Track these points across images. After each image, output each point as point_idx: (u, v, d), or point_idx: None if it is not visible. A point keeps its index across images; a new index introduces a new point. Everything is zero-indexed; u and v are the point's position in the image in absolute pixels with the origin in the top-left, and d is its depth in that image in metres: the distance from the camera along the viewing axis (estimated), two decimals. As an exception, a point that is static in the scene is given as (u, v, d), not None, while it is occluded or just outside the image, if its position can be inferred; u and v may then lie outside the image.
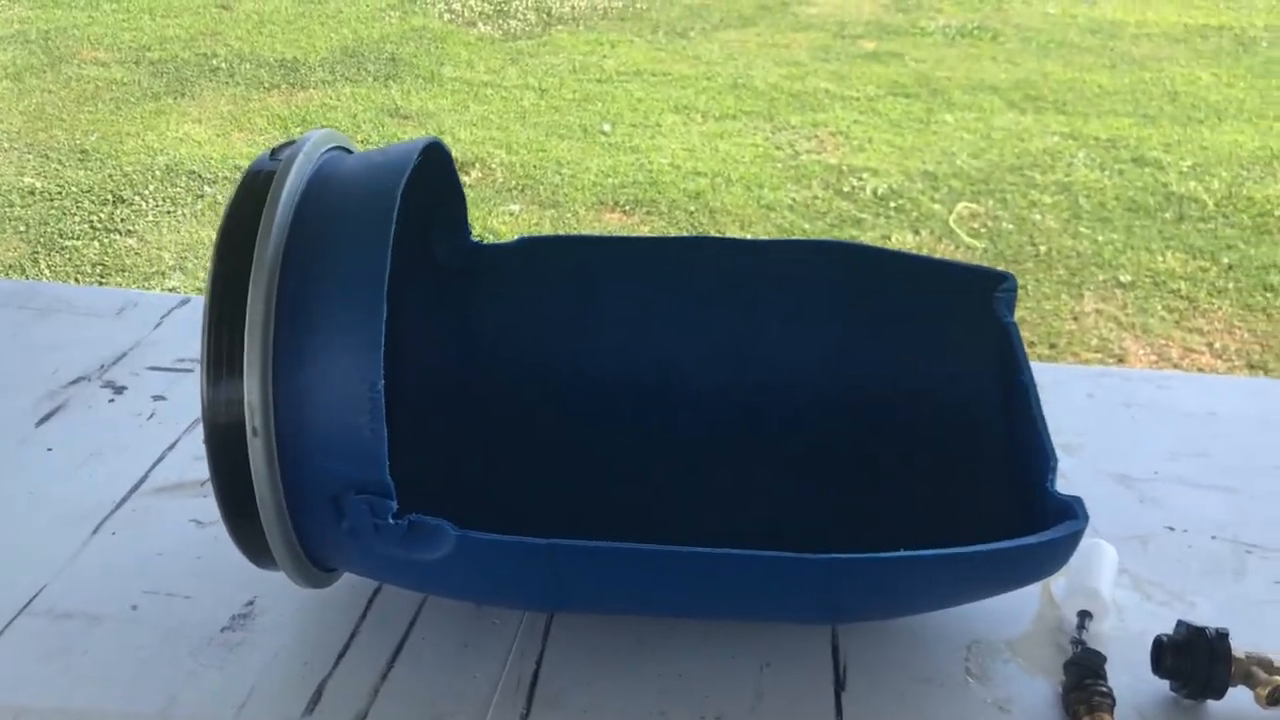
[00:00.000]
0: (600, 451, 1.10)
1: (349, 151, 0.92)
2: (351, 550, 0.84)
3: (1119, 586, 1.00)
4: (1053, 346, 2.97)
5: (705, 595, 0.85)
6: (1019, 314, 3.07)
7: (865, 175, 3.99)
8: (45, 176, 4.00)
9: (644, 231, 3.58)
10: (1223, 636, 0.86)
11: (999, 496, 0.96)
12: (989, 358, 1.00)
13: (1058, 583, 0.98)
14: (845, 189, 3.89)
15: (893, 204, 3.76)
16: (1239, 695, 0.86)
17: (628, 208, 3.75)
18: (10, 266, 3.40)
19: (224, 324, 0.79)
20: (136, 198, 3.82)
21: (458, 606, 0.96)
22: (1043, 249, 3.47)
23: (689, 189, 3.87)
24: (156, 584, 0.99)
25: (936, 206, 3.75)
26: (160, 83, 4.94)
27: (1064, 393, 1.29)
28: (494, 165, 4.05)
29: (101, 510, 1.07)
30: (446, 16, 5.97)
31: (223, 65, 5.16)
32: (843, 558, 0.77)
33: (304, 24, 5.82)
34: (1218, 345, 2.97)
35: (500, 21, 5.92)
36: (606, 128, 4.43)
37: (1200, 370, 2.87)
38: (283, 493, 0.81)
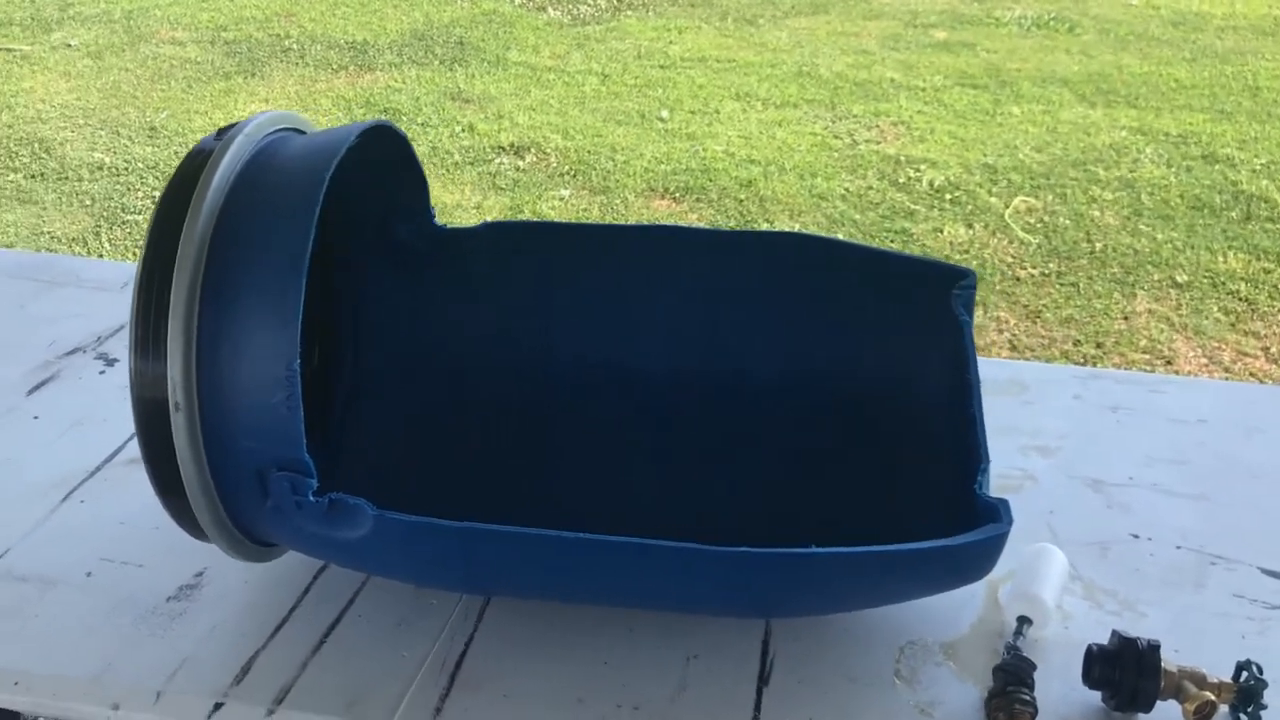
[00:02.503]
0: (558, 435, 1.10)
1: (302, 132, 0.93)
2: (280, 527, 0.86)
3: (1070, 593, 0.98)
4: (1099, 346, 2.90)
5: (617, 584, 0.85)
6: (1066, 312, 3.02)
7: (923, 166, 3.93)
8: (114, 152, 4.11)
9: (692, 219, 3.57)
10: (1154, 648, 0.84)
11: (946, 496, 0.94)
12: (945, 354, 0.99)
13: (1004, 586, 0.96)
14: (901, 180, 3.83)
15: (948, 196, 3.70)
16: (1170, 709, 0.84)
17: (677, 195, 3.74)
18: (74, 239, 3.50)
19: (151, 301, 0.81)
20: (199, 175, 3.90)
21: (399, 585, 0.97)
22: (1099, 246, 3.39)
23: (741, 177, 3.85)
24: (113, 552, 1.02)
25: (993, 200, 3.68)
26: (232, 62, 5.04)
27: (1050, 393, 1.26)
28: (549, 150, 4.07)
29: (74, 479, 1.11)
30: (518, 1, 6.00)
31: (294, 46, 5.25)
32: (741, 551, 0.77)
33: (377, 6, 5.89)
34: (1274, 350, 2.88)
35: (571, 6, 5.93)
36: (664, 114, 4.42)
37: (1254, 376, 2.78)
38: (208, 469, 0.82)
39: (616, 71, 4.93)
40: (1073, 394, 1.27)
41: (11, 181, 3.89)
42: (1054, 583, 0.94)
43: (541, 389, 1.11)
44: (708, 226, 0.90)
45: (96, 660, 0.91)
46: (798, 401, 1.07)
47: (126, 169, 3.98)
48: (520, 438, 1.11)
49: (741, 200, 3.70)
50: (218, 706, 0.87)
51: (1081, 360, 2.85)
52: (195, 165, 0.84)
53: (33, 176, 3.93)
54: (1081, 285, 3.18)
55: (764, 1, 6.04)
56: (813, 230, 3.49)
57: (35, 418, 1.21)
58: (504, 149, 4.09)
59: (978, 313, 3.01)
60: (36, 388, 1.25)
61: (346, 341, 1.11)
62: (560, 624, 0.94)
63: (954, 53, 5.21)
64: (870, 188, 3.79)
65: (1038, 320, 3.02)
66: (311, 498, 0.81)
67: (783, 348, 1.07)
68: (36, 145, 4.17)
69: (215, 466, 0.82)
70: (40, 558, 1.01)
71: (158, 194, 3.80)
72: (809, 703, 0.87)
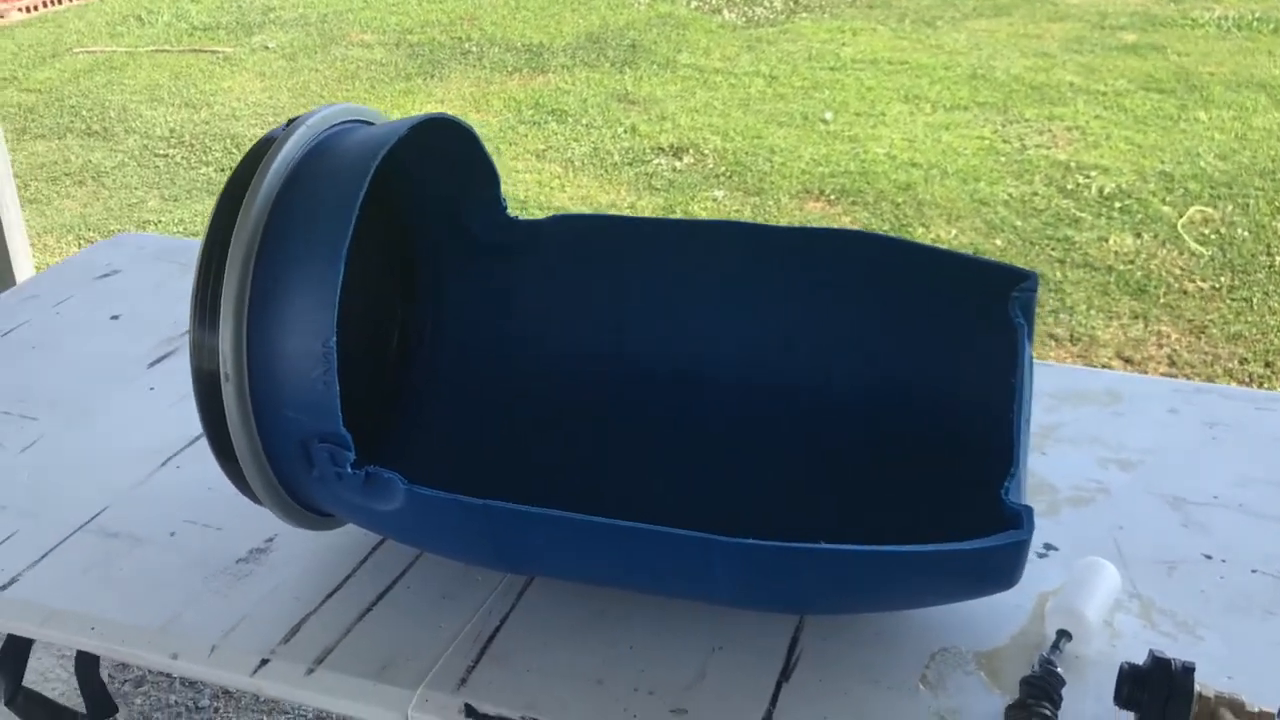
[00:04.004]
0: (619, 429, 1.12)
1: (370, 124, 0.98)
2: (326, 496, 0.91)
3: (1125, 611, 0.94)
4: (1268, 365, 2.73)
5: (634, 568, 0.86)
6: (1235, 328, 2.86)
7: (1094, 173, 3.78)
8: (298, 148, 4.33)
9: (845, 222, 3.53)
10: (1188, 671, 0.80)
11: (980, 502, 0.92)
12: (1002, 357, 0.96)
13: (1052, 599, 0.93)
14: (1069, 186, 3.70)
15: (1118, 204, 3.55)
16: (1205, 736, 0.80)
17: (832, 197, 3.70)
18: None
19: (209, 280, 0.87)
20: (373, 171, 4.08)
21: (449, 562, 1.01)
22: (1279, 260, 3.19)
23: (900, 180, 3.78)
24: (197, 514, 1.09)
25: (1166, 209, 3.51)
26: (414, 64, 5.24)
27: (1144, 407, 1.21)
28: (706, 151, 4.09)
29: (174, 447, 1.19)
30: (694, 4, 6.04)
31: (474, 49, 5.42)
32: (745, 543, 0.77)
33: (556, 10, 6.02)
34: None
35: (745, 8, 5.94)
36: (828, 116, 4.38)
37: None
38: (258, 437, 0.88)
39: (784, 73, 4.91)
40: (1169, 408, 1.21)
41: (204, 175, 4.15)
42: (1100, 599, 0.91)
43: (610, 383, 1.13)
44: (782, 225, 0.88)
45: (165, 613, 0.97)
46: (865, 405, 1.06)
47: (307, 164, 4.19)
48: (582, 430, 1.13)
49: (898, 204, 3.64)
50: (264, 663, 0.92)
51: (1247, 380, 2.69)
52: (259, 152, 0.90)
53: (222, 170, 4.18)
54: (1255, 301, 3.00)
55: (945, 3, 5.91)
56: (969, 236, 3.41)
57: (151, 389, 1.30)
58: (663, 150, 4.13)
59: (1137, 326, 2.90)
60: (157, 361, 1.35)
61: (425, 326, 1.16)
62: (594, 607, 0.96)
63: (1141, 55, 4.99)
64: (1036, 194, 3.67)
65: (1202, 336, 2.87)
66: (350, 469, 0.86)
67: (850, 348, 1.07)
68: (229, 141, 4.43)
69: (265, 435, 0.88)
70: (132, 516, 1.09)
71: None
72: (826, 702, 0.86)
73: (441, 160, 1.04)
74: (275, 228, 0.86)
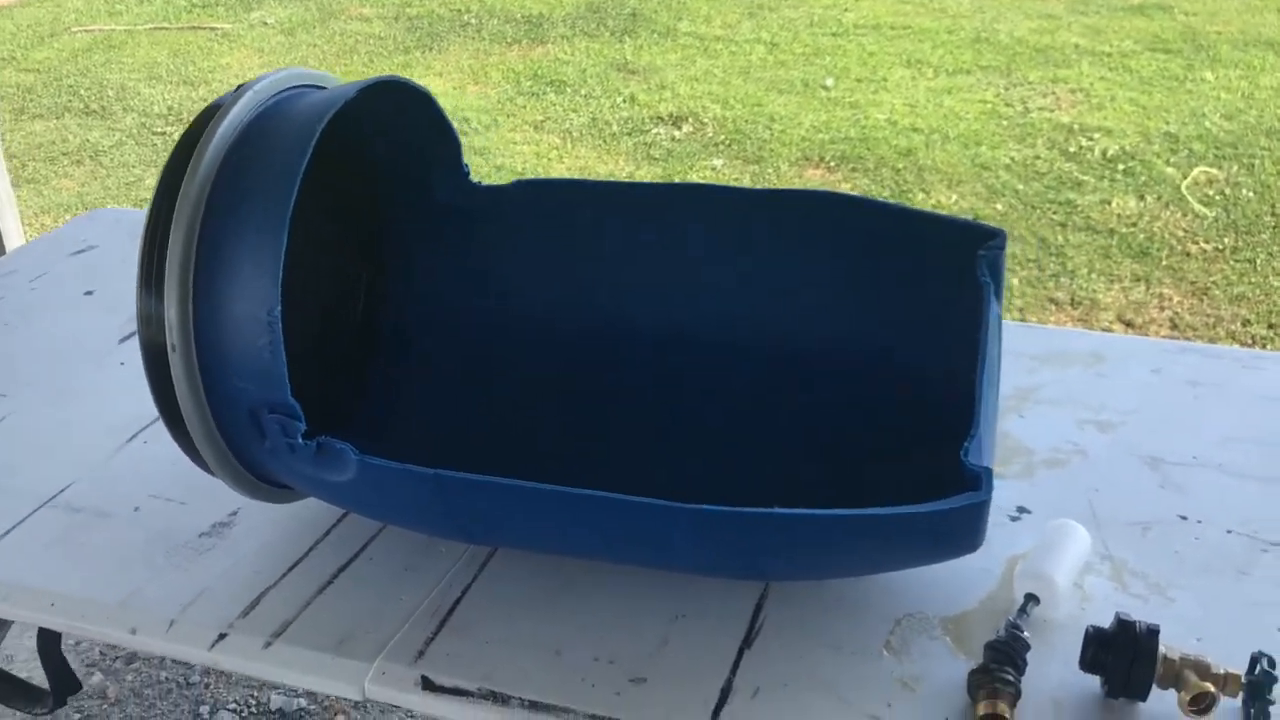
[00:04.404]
0: (588, 393, 1.11)
1: (322, 89, 0.96)
2: (280, 468, 0.89)
3: (1096, 574, 0.92)
4: (1271, 327, 2.70)
5: (590, 536, 0.85)
6: (1239, 289, 2.83)
7: (1097, 135, 3.73)
8: (296, 124, 4.32)
9: (845, 189, 3.50)
10: (1152, 633, 0.78)
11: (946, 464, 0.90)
12: (964, 319, 0.94)
13: (1021, 563, 0.91)
14: (1072, 149, 3.65)
15: (1121, 166, 3.51)
16: (1172, 699, 0.78)
17: (832, 164, 3.67)
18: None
19: (154, 249, 0.85)
20: (371, 145, 4.06)
21: (414, 534, 1.00)
22: (1284, 219, 3.15)
23: (901, 146, 3.74)
24: (162, 489, 1.08)
25: (1170, 170, 3.46)
26: (413, 37, 5.21)
27: (1127, 367, 1.19)
28: (706, 120, 4.05)
29: (142, 421, 1.18)
30: (695, -29, 5.98)
31: (473, 20, 5.38)
32: (700, 509, 0.76)
33: (556, -20, 5.98)
34: None
35: (747, -25, 5.88)
36: (829, 82, 4.34)
37: None
38: (208, 408, 0.86)
39: (785, 40, 4.86)
40: (1152, 368, 1.19)
41: (202, 152, 4.14)
42: (1069, 562, 0.89)
43: (576, 348, 1.11)
44: (751, 187, 0.86)
45: (125, 588, 0.96)
46: (836, 366, 1.04)
47: (305, 140, 4.17)
48: (554, 397, 1.11)
49: (899, 170, 3.60)
50: (221, 637, 0.91)
51: (1249, 341, 2.66)
52: (206, 119, 0.88)
53: (221, 147, 4.17)
54: (1259, 262, 2.97)
55: (949, -34, 5.84)
56: (970, 201, 3.37)
57: (121, 364, 1.29)
58: (662, 119, 4.09)
59: (1139, 289, 2.87)
60: (128, 337, 1.34)
61: (393, 292, 1.14)
62: (559, 577, 0.94)
63: (1148, 16, 4.92)
64: (1038, 157, 3.62)
65: (1205, 298, 2.84)
66: (301, 440, 0.85)
67: (818, 309, 1.05)
68: (227, 117, 4.41)
69: (216, 406, 0.86)
70: (98, 492, 1.08)
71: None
72: (787, 667, 0.85)
73: (401, 125, 1.02)
74: (220, 195, 0.84)
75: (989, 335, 0.89)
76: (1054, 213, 3.27)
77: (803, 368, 1.06)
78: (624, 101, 4.29)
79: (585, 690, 0.84)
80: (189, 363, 0.84)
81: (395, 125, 1.02)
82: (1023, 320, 2.78)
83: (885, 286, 1.01)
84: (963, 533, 0.79)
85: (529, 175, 3.74)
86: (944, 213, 0.96)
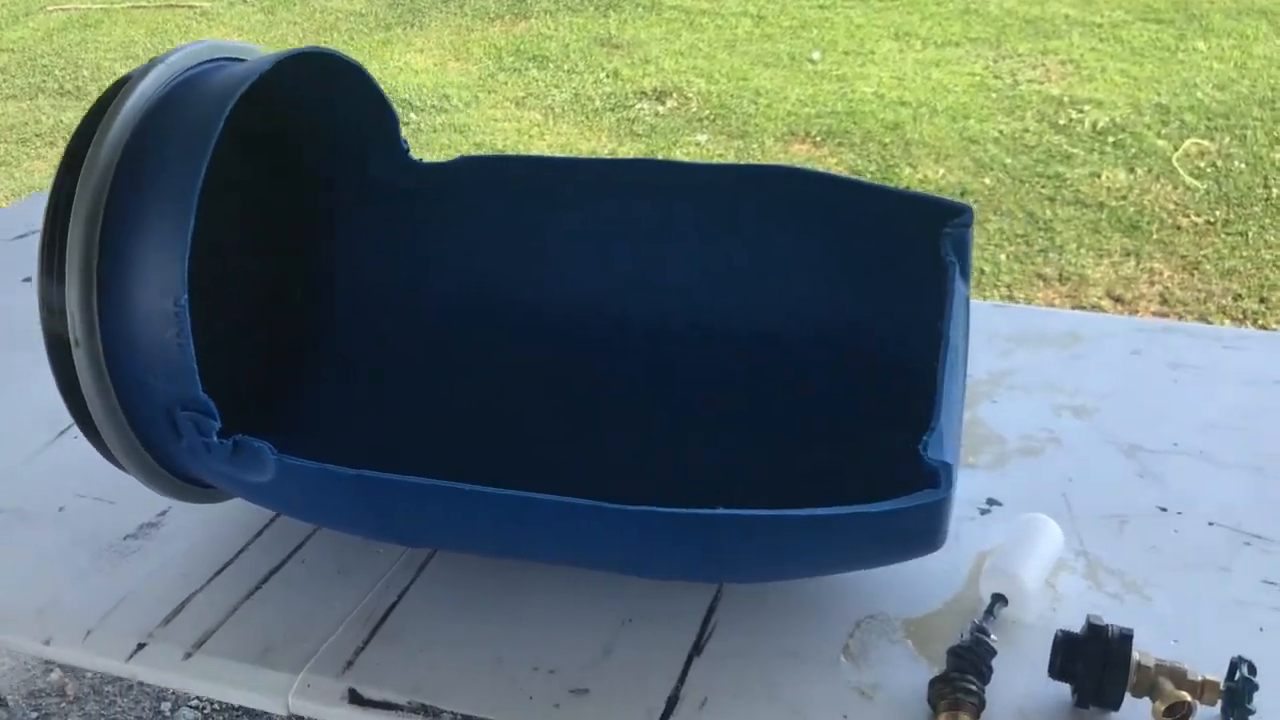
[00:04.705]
0: (530, 381, 1.05)
1: (242, 61, 0.90)
2: (199, 467, 0.84)
3: (1069, 571, 0.87)
4: (1263, 301, 2.64)
5: (520, 538, 0.79)
6: (1230, 263, 2.77)
7: (1087, 107, 3.66)
8: (274, 103, 4.24)
9: (831, 164, 3.44)
10: (1125, 638, 0.73)
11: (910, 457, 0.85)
12: (930, 298, 0.89)
13: (989, 560, 0.86)
14: (1061, 121, 3.59)
15: (1111, 139, 3.44)
16: (1144, 708, 0.73)
17: (818, 139, 3.60)
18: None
19: (55, 233, 0.79)
20: (349, 124, 3.99)
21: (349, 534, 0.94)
22: (1276, 192, 3.09)
23: (888, 120, 3.68)
24: (89, 488, 1.02)
25: (1160, 142, 3.40)
26: (394, 14, 5.12)
27: (1104, 348, 1.14)
28: (690, 95, 3.98)
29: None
30: (681, -56, 5.89)
31: (455, -5, 5.30)
32: (634, 510, 0.70)
33: (540, -46, 5.88)
34: None
35: (734, -52, 5.79)
36: (815, 55, 4.27)
37: None
38: (118, 406, 0.81)
39: (772, 13, 4.79)
40: (1131, 349, 1.13)
41: (177, 132, 4.07)
42: (1039, 560, 0.84)
43: (523, 334, 1.06)
44: (707, 162, 0.81)
45: (45, 595, 0.91)
46: (791, 349, 0.98)
47: (283, 119, 4.10)
48: (498, 385, 1.06)
49: (886, 144, 3.54)
50: (140, 647, 0.86)
51: (1240, 317, 2.61)
52: (112, 94, 0.82)
53: (197, 127, 4.10)
54: (1251, 235, 2.91)
55: (939, -64, 5.75)
56: (958, 175, 3.31)
57: (56, 354, 1.23)
58: (645, 94, 4.02)
59: (1129, 264, 2.81)
60: (65, 325, 1.28)
61: (329, 273, 1.08)
62: (502, 579, 0.89)
63: (1141, -15, 4.84)
64: (1027, 130, 3.56)
65: (1195, 272, 2.78)
66: (216, 439, 0.79)
67: (776, 291, 0.99)
68: (204, 97, 4.34)
69: (129, 404, 0.81)
70: (22, 491, 1.03)
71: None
72: (738, 675, 0.80)
73: (335, 101, 0.96)
74: (125, 176, 0.79)
75: (954, 318, 0.83)
76: (1042, 186, 3.21)
77: (774, 350, 1.00)
78: (607, 77, 4.21)
79: (522, 702, 0.78)
80: (94, 356, 0.78)
81: (329, 102, 0.97)
82: (1010, 297, 2.72)
83: (853, 266, 0.95)
84: (921, 532, 0.74)
85: (509, 152, 3.67)
86: (911, 189, 0.90)
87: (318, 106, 0.97)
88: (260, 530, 0.96)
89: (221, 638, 0.86)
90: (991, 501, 0.95)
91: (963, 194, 3.19)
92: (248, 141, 0.90)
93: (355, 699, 0.80)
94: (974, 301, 1.24)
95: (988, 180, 3.27)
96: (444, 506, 0.77)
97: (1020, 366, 1.12)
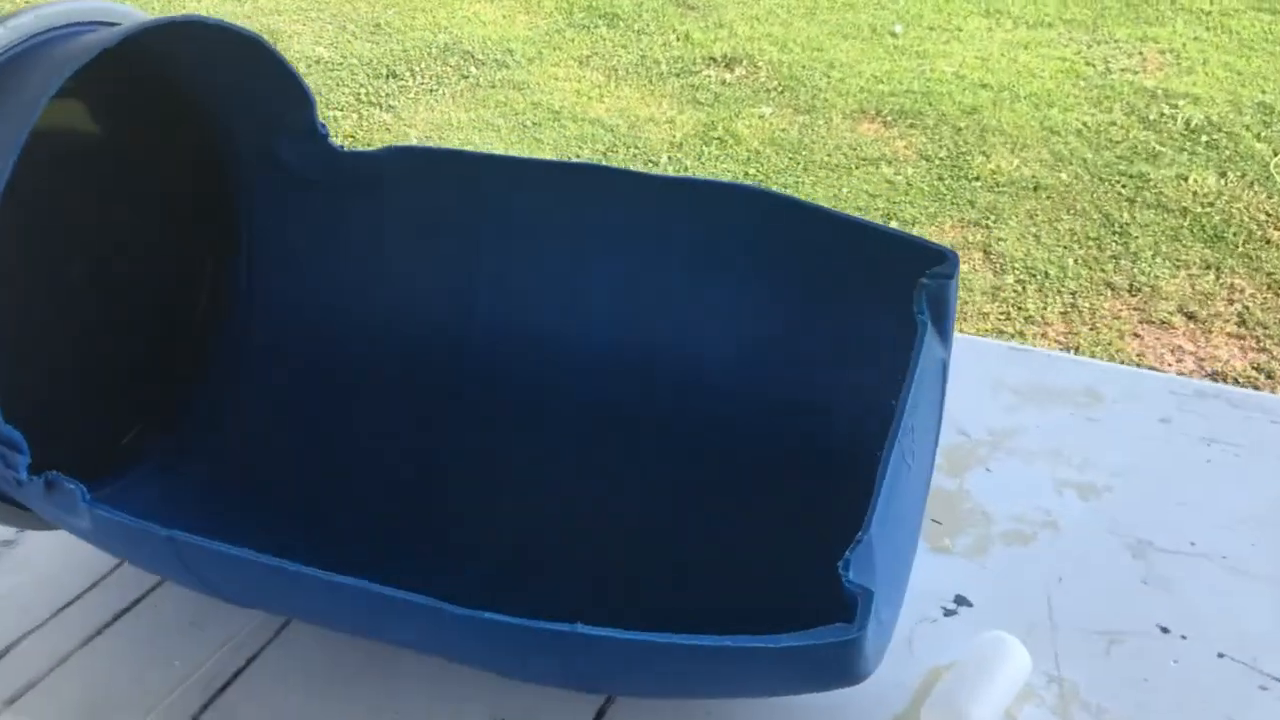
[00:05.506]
0: (462, 410, 0.92)
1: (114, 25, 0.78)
2: (23, 499, 0.72)
3: (1036, 702, 0.72)
4: (1353, 330, 2.42)
5: (358, 625, 0.67)
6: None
7: (1182, 102, 3.41)
8: (335, 47, 4.15)
9: (899, 146, 3.24)
10: (1075, 826, 0.58)
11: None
12: (895, 361, 0.74)
13: (937, 687, 0.71)
14: (1152, 116, 3.34)
15: (1204, 138, 3.20)
16: None
17: (889, 118, 3.40)
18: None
19: None
20: (407, 74, 3.87)
21: (216, 574, 0.83)
22: (1383, 208, 2.84)
23: (965, 103, 3.46)
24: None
25: (1259, 146, 3.15)
26: (470, -40, 4.99)
27: (1130, 411, 0.98)
28: (761, 63, 3.79)
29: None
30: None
31: (533, -55, 5.14)
32: (479, 616, 0.57)
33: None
34: None
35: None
36: (898, 29, 4.05)
37: None
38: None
39: (859, -20, 4.56)
40: (1160, 415, 0.97)
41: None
42: (996, 693, 0.69)
43: (446, 354, 0.93)
44: (663, 174, 0.72)
45: None
46: (736, 401, 0.84)
47: (341, 64, 4.00)
48: (419, 408, 0.93)
49: (960, 129, 3.33)
50: (-54, 698, 0.75)
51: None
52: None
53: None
54: (1349, 256, 2.67)
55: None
56: (1033, 168, 3.10)
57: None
58: (714, 60, 3.85)
59: (1208, 277, 2.59)
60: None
61: (242, 274, 0.96)
62: (365, 657, 0.76)
63: (1257, -30, 4.52)
64: (1113, 123, 3.32)
65: (1281, 293, 2.56)
66: (26, 475, 0.67)
67: (729, 328, 0.85)
68: (268, 36, 4.25)
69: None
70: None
71: (365, 90, 3.81)
72: (610, 810, 0.66)
73: (240, 78, 0.84)
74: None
75: (916, 393, 0.68)
76: (1123, 186, 2.99)
77: (692, 397, 0.86)
78: (677, 40, 4.04)
79: (352, 816, 0.66)
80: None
81: (238, 83, 0.84)
82: (1073, 306, 2.53)
83: (797, 308, 0.80)
84: (830, 670, 0.60)
85: (565, 114, 3.53)
86: (890, 226, 0.75)
87: (227, 89, 0.84)
88: (117, 565, 0.85)
89: (40, 694, 0.75)
90: (960, 600, 0.80)
91: (1036, 189, 2.99)
92: (158, 126, 0.82)
93: (164, 791, 0.68)
94: (986, 341, 1.09)
95: (1064, 175, 3.05)
96: (267, 584, 0.64)
97: (1026, 427, 0.96)
